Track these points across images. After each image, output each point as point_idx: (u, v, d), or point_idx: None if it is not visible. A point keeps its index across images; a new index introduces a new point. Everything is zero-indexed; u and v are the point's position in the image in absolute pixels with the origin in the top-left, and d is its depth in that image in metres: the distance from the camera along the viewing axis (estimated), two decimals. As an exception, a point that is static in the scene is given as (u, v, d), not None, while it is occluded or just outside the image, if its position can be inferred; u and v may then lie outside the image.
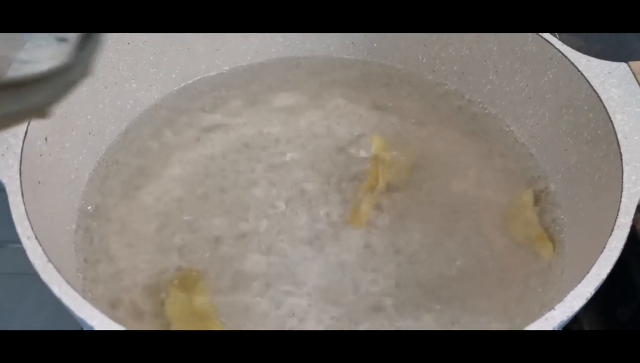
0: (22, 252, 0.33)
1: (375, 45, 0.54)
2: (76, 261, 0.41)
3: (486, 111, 0.50)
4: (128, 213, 0.44)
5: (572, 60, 0.43)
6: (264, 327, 0.38)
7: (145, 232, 0.43)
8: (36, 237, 0.33)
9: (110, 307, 0.39)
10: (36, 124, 0.39)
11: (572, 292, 0.31)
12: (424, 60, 0.53)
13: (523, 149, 0.48)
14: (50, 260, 0.32)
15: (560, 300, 0.32)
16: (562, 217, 0.43)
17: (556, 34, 0.45)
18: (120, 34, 0.46)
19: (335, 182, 0.45)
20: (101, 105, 0.46)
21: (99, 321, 0.31)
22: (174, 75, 0.51)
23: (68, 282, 0.32)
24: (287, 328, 0.38)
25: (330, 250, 0.42)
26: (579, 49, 0.44)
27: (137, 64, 0.48)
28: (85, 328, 0.31)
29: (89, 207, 0.44)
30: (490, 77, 0.49)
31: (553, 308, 0.31)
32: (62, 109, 0.42)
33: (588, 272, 0.32)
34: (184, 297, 0.39)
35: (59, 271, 0.32)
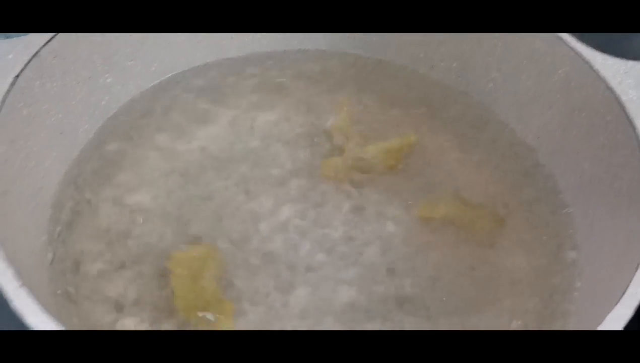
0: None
1: (369, 39, 0.50)
2: (48, 278, 0.37)
3: (488, 111, 0.47)
4: (103, 220, 0.40)
5: (586, 58, 0.40)
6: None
7: (124, 239, 0.39)
8: (6, 257, 0.29)
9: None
10: (1, 126, 0.35)
11: (609, 315, 0.29)
12: (421, 55, 0.50)
13: (528, 152, 0.45)
14: (23, 285, 0.28)
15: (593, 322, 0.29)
16: (575, 225, 0.41)
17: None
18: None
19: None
20: (73, 103, 0.42)
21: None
22: (152, 69, 0.47)
23: (45, 311, 0.28)
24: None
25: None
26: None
27: (113, 57, 0.44)
28: None
29: (61, 217, 0.39)
30: (493, 75, 0.47)
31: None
32: (31, 108, 0.37)
33: (625, 292, 0.29)
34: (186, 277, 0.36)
35: (33, 298, 0.28)
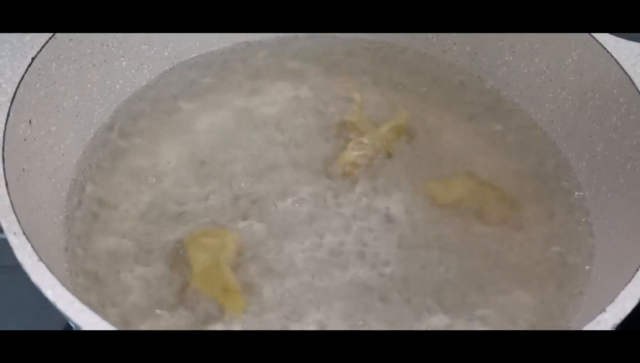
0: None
1: (381, 23, 0.50)
2: (65, 256, 0.37)
3: (501, 94, 0.47)
4: (119, 200, 0.40)
5: (600, 40, 0.40)
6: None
7: (138, 220, 0.39)
8: (24, 233, 0.29)
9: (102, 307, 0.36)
10: (19, 105, 0.35)
11: (622, 292, 0.29)
12: (434, 39, 0.50)
13: (542, 135, 0.45)
14: (41, 259, 0.29)
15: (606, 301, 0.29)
16: (588, 206, 0.41)
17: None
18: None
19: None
20: (89, 85, 0.42)
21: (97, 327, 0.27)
22: (166, 53, 0.47)
23: (63, 284, 0.28)
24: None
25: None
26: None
27: (128, 40, 0.44)
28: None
29: (78, 196, 0.40)
30: (507, 58, 0.47)
31: (604, 310, 0.28)
32: (47, 89, 0.38)
33: (638, 270, 0.29)
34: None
35: (51, 271, 0.28)
